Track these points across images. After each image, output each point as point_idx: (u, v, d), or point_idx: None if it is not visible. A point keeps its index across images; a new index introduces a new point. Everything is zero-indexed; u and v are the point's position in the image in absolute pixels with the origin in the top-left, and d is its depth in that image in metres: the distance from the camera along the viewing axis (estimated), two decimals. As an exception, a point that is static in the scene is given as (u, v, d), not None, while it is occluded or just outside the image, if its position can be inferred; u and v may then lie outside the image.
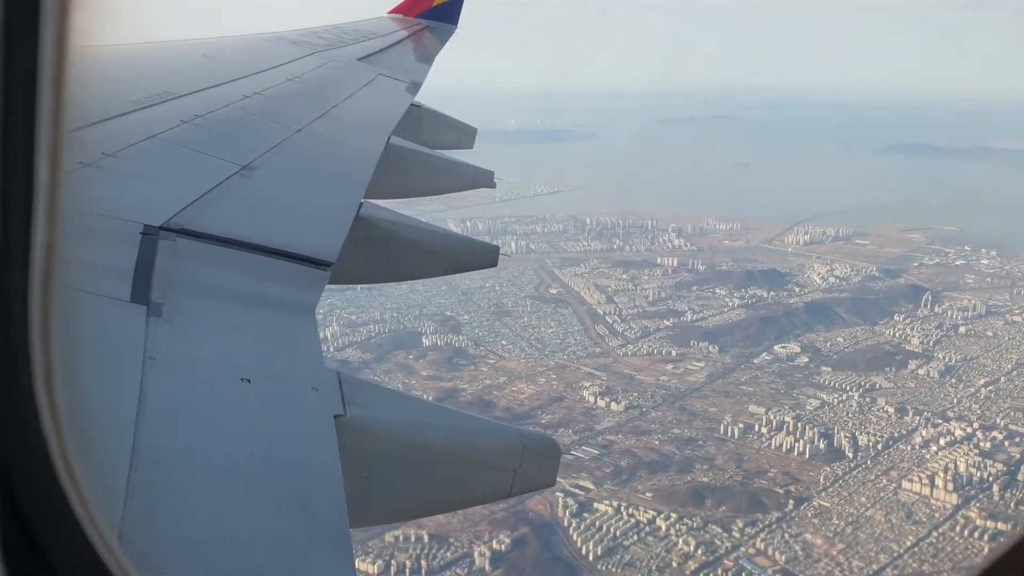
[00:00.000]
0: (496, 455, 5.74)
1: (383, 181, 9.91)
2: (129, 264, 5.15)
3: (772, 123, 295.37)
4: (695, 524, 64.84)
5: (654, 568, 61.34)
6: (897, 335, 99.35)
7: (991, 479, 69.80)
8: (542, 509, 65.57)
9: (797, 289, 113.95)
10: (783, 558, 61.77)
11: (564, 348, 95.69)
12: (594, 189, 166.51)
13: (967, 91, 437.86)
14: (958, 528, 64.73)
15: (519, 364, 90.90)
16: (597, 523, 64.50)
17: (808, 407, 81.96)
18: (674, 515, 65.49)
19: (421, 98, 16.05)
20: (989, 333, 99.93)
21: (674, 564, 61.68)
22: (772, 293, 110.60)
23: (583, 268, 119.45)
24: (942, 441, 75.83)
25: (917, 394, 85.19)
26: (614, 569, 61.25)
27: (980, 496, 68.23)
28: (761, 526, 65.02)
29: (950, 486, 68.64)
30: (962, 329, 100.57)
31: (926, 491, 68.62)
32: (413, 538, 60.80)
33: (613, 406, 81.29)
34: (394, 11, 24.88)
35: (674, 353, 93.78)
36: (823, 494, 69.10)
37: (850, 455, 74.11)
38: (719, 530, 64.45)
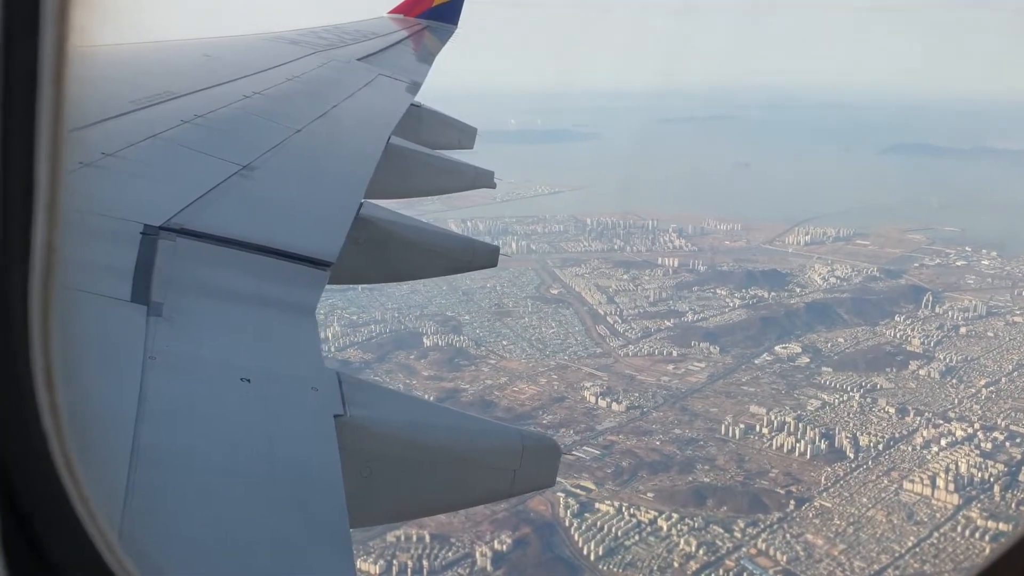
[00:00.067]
0: (496, 455, 5.74)
1: (383, 181, 9.91)
2: (129, 264, 5.15)
3: (772, 123, 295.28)
4: (696, 524, 64.84)
5: (656, 568, 61.34)
6: (898, 336, 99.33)
7: (992, 480, 69.78)
8: (543, 509, 65.57)
9: (798, 289, 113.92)
10: (784, 558, 61.78)
11: (565, 348, 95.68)
12: (595, 189, 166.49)
13: (968, 91, 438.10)
14: (959, 528, 64.73)
15: (520, 364, 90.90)
16: (598, 523, 64.50)
17: (809, 407, 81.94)
18: (675, 515, 65.49)
19: (421, 98, 16.06)
20: (990, 334, 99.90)
21: (676, 564, 61.68)
22: (773, 293, 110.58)
23: (584, 268, 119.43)
24: (943, 442, 75.81)
25: (918, 395, 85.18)
26: (616, 569, 61.26)
27: (981, 496, 68.22)
28: (762, 526, 65.02)
29: (951, 486, 68.63)
30: (963, 330, 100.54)
31: (927, 491, 68.61)
32: (415, 538, 60.80)
33: (614, 406, 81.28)
34: (394, 11, 24.89)
35: (675, 353, 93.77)
36: (824, 494, 69.09)
37: (851, 455, 74.09)
38: (720, 530, 64.45)
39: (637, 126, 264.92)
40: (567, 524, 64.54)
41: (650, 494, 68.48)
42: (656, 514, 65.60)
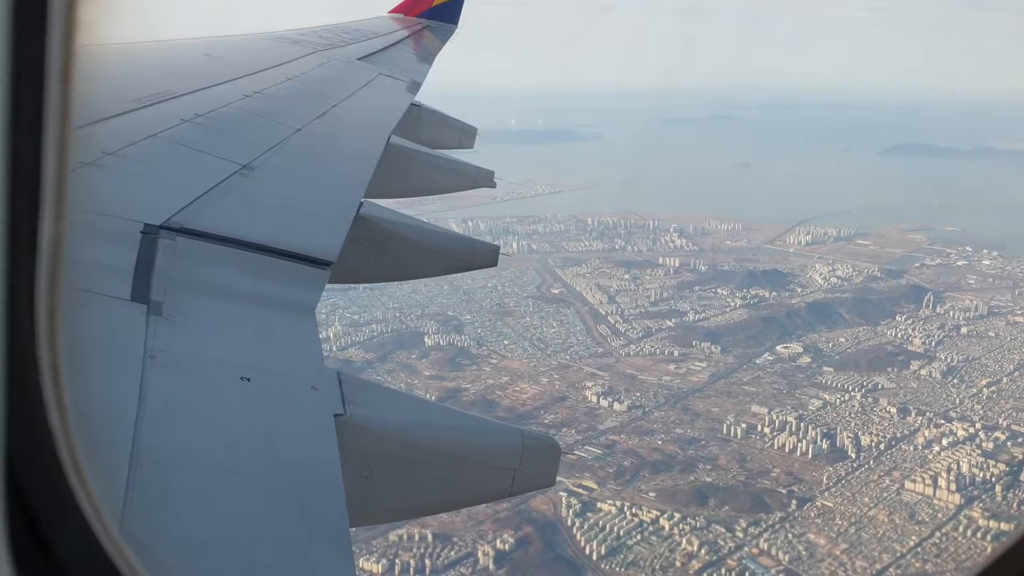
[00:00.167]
0: (496, 455, 5.74)
1: (383, 181, 9.91)
2: (129, 263, 5.15)
3: (773, 123, 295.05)
4: (698, 524, 64.83)
5: (658, 568, 61.34)
6: (899, 335, 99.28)
7: (994, 479, 69.75)
8: (545, 509, 65.57)
9: (799, 289, 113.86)
10: (786, 558, 61.75)
11: (566, 348, 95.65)
12: (596, 189, 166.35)
13: (968, 91, 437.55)
14: (961, 528, 64.71)
15: (521, 364, 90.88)
16: (600, 523, 64.50)
17: (811, 407, 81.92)
18: (677, 515, 65.48)
19: (421, 98, 16.06)
20: (991, 333, 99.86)
21: (678, 564, 61.67)
22: (774, 293, 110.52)
23: (585, 268, 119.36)
24: (944, 441, 75.78)
25: (919, 394, 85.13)
26: (618, 569, 61.25)
27: (983, 496, 68.17)
28: (764, 526, 65.00)
29: (953, 486, 68.59)
30: (964, 329, 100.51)
31: (929, 491, 68.58)
32: (417, 537, 60.83)
33: (616, 406, 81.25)
34: (394, 11, 24.90)
35: (676, 353, 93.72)
36: (826, 494, 69.06)
37: (853, 455, 74.06)
38: (722, 530, 64.43)
39: (638, 126, 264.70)
40: (569, 523, 64.54)
41: (652, 494, 68.47)
42: (658, 514, 65.58)
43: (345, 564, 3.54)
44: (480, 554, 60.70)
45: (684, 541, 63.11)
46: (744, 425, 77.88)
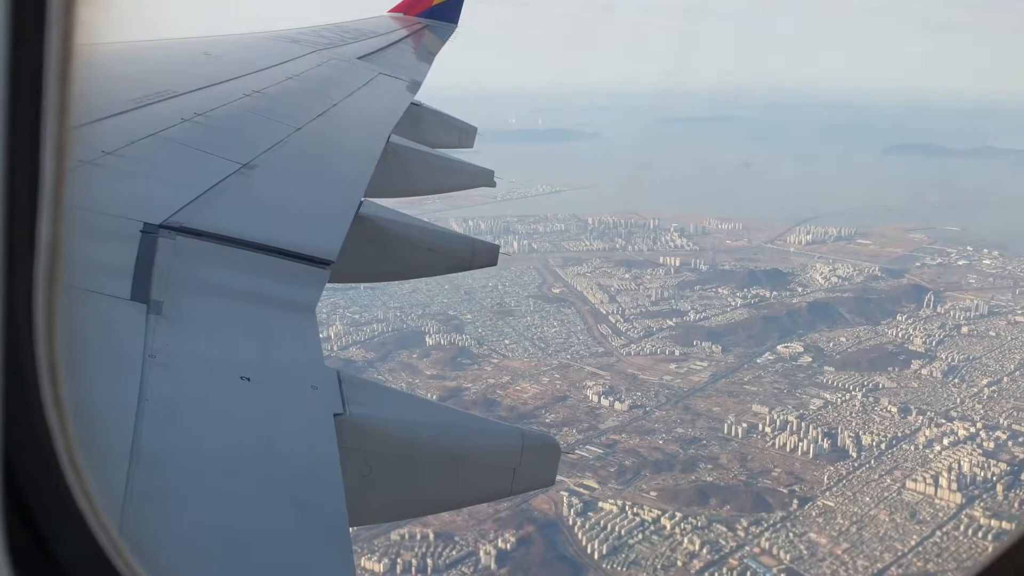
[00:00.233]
0: (496, 454, 5.74)
1: (383, 180, 9.91)
2: (129, 262, 5.14)
3: (773, 123, 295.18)
4: (700, 523, 64.87)
5: (659, 567, 61.37)
6: (900, 335, 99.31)
7: (995, 479, 69.78)
8: (547, 508, 65.64)
9: (800, 289, 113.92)
10: (788, 557, 61.77)
11: (567, 347, 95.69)
12: (596, 189, 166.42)
13: (970, 91, 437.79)
14: (962, 527, 64.73)
15: (522, 363, 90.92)
16: (602, 522, 64.55)
17: (812, 407, 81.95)
18: (679, 514, 65.52)
19: (421, 97, 16.07)
20: (992, 333, 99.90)
21: (679, 563, 61.69)
22: (775, 293, 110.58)
23: (585, 268, 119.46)
24: (945, 441, 75.81)
25: (920, 394, 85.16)
26: (619, 568, 61.29)
27: (984, 496, 68.19)
28: (766, 525, 65.03)
29: (954, 486, 68.62)
30: (965, 329, 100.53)
31: (930, 490, 68.61)
32: (419, 536, 60.92)
33: (617, 405, 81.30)
34: (394, 10, 24.90)
35: (677, 353, 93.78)
36: (827, 493, 69.08)
37: (854, 455, 74.10)
38: (724, 529, 64.46)
39: (639, 126, 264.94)
40: (571, 523, 64.60)
41: (653, 493, 68.50)
42: (659, 513, 65.62)
43: (345, 564, 3.53)
44: (482, 553, 60.74)
45: (686, 540, 63.15)
46: (745, 424, 77.92)
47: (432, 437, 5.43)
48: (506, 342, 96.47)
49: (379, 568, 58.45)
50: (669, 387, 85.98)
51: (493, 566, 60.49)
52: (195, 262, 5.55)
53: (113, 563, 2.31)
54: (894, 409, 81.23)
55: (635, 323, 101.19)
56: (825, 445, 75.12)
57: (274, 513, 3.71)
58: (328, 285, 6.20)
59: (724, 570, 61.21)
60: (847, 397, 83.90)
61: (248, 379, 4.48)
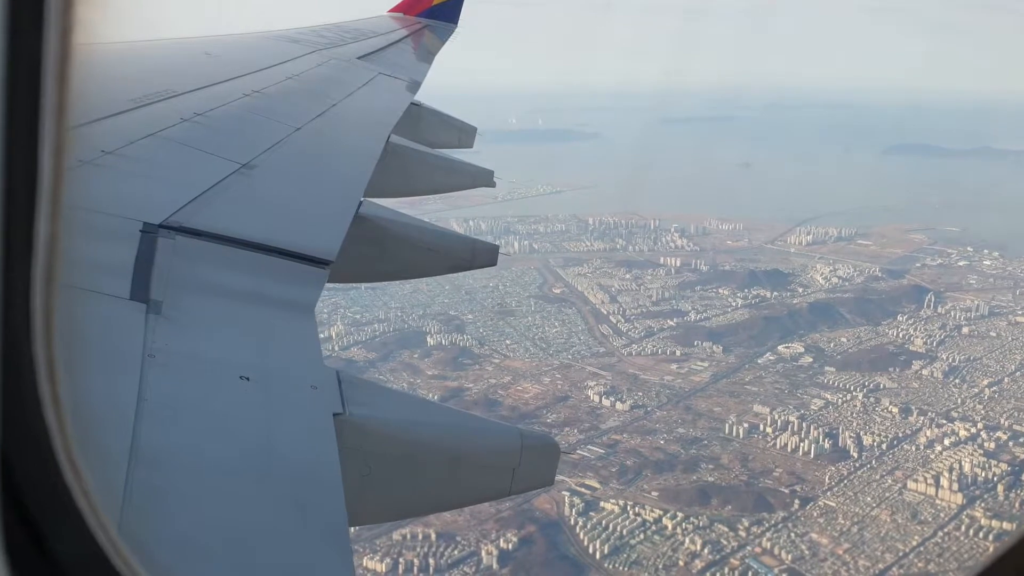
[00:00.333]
0: (495, 454, 5.74)
1: (383, 180, 9.91)
2: (128, 262, 5.14)
3: (774, 123, 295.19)
4: (701, 523, 64.87)
5: (661, 567, 61.39)
6: (900, 335, 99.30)
7: (996, 479, 69.77)
8: (548, 508, 65.68)
9: (800, 289, 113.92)
10: (789, 557, 61.76)
11: (568, 348, 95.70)
12: (597, 189, 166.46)
13: (970, 91, 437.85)
14: (963, 528, 64.73)
15: (524, 364, 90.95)
16: (603, 522, 64.57)
17: (812, 407, 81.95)
18: (680, 514, 65.53)
19: (421, 97, 16.06)
20: (992, 334, 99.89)
21: (681, 563, 61.70)
22: (775, 293, 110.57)
23: (586, 268, 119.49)
24: (946, 441, 75.80)
25: (921, 394, 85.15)
26: (621, 568, 61.31)
27: (985, 496, 68.18)
28: (767, 525, 65.03)
29: (955, 486, 68.61)
30: (965, 329, 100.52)
31: (931, 491, 68.60)
32: (420, 536, 60.97)
33: (618, 406, 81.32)
34: (394, 10, 24.91)
35: (678, 353, 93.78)
36: (828, 494, 69.07)
37: (855, 455, 74.09)
38: (725, 529, 64.46)
39: (639, 126, 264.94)
40: (572, 523, 64.63)
41: (655, 493, 68.51)
42: (661, 513, 65.63)
43: (344, 564, 3.52)
44: (483, 553, 60.76)
45: (687, 540, 63.16)
46: (746, 425, 77.93)
47: (432, 437, 5.43)
48: (507, 342, 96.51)
49: (381, 568, 58.49)
50: (670, 387, 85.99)
51: (495, 566, 60.52)
52: (194, 262, 5.55)
53: (111, 562, 2.31)
54: (895, 409, 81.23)
55: (636, 323, 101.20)
56: (826, 445, 75.14)
57: (273, 513, 3.71)
58: (329, 285, 6.20)
59: (726, 570, 61.22)
60: (848, 397, 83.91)
61: (247, 379, 4.48)
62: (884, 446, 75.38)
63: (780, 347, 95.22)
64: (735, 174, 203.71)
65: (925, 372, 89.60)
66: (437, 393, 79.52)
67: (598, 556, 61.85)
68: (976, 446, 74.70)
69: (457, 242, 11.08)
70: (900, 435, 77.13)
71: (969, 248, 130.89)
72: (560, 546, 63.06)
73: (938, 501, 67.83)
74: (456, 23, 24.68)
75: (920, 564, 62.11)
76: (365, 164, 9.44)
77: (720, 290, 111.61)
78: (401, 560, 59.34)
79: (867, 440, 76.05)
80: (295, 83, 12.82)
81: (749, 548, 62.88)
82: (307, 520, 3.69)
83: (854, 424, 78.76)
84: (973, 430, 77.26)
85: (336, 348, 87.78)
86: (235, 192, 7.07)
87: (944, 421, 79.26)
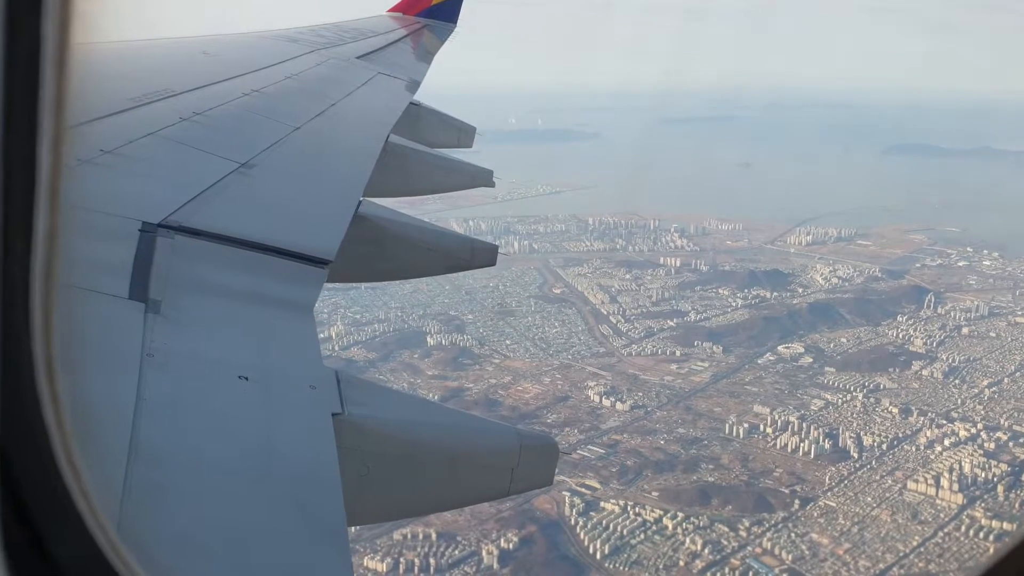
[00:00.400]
0: (494, 454, 5.73)
1: (382, 179, 9.90)
2: (127, 261, 5.13)
3: (774, 123, 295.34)
4: (701, 523, 64.91)
5: (661, 567, 61.42)
6: (900, 336, 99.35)
7: (996, 479, 69.79)
8: (549, 508, 65.72)
9: (800, 290, 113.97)
10: (790, 557, 61.78)
11: (568, 348, 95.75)
12: (597, 189, 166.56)
13: (970, 91, 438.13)
14: (963, 528, 64.74)
15: (524, 364, 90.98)
16: (604, 522, 64.61)
17: (813, 407, 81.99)
18: (680, 514, 65.57)
19: (420, 97, 16.05)
20: (992, 334, 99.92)
21: (681, 563, 61.72)
22: (775, 293, 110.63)
23: (586, 268, 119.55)
24: (947, 442, 75.84)
25: (921, 395, 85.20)
26: (621, 568, 61.34)
27: (985, 496, 68.20)
28: (767, 525, 65.06)
29: (955, 486, 68.63)
30: (965, 330, 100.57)
31: (931, 491, 68.62)
32: (421, 536, 61.02)
33: (618, 406, 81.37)
34: (393, 9, 24.90)
35: (678, 353, 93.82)
36: (829, 494, 69.10)
37: (855, 455, 74.13)
38: (725, 529, 64.49)
39: (639, 126, 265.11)
40: (573, 523, 64.66)
41: (655, 493, 68.54)
42: (661, 513, 65.67)
43: (343, 563, 3.51)
44: (484, 553, 60.79)
45: (687, 540, 63.17)
46: (746, 425, 77.97)
47: (430, 437, 5.42)
48: (507, 342, 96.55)
49: (382, 568, 58.54)
50: (670, 387, 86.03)
51: (495, 566, 60.55)
52: (193, 261, 5.54)
53: (110, 562, 2.30)
54: (895, 410, 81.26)
55: (636, 323, 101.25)
56: (826, 446, 75.17)
57: (272, 513, 3.70)
58: (329, 285, 6.18)
59: (726, 570, 61.24)
60: (848, 398, 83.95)
61: (246, 378, 4.47)
62: (884, 446, 75.41)
63: (780, 347, 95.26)
64: (735, 174, 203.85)
65: (925, 372, 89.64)
66: (437, 393, 79.55)
67: (599, 556, 61.88)
68: (976, 446, 74.74)
69: (456, 242, 11.07)
70: (900, 435, 77.17)
71: (969, 248, 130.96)
72: (561, 546, 63.10)
73: (938, 501, 67.85)
74: (455, 23, 24.67)
75: (920, 564, 62.13)
76: (364, 164, 9.43)
77: (720, 290, 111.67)
78: (402, 560, 59.38)
79: (867, 440, 76.08)
80: (294, 83, 12.81)
81: (750, 548, 62.91)
82: (306, 520, 3.68)
83: (854, 424, 78.79)
84: (973, 430, 77.29)
85: (336, 348, 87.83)
86: (234, 191, 7.06)
87: (944, 421, 79.30)
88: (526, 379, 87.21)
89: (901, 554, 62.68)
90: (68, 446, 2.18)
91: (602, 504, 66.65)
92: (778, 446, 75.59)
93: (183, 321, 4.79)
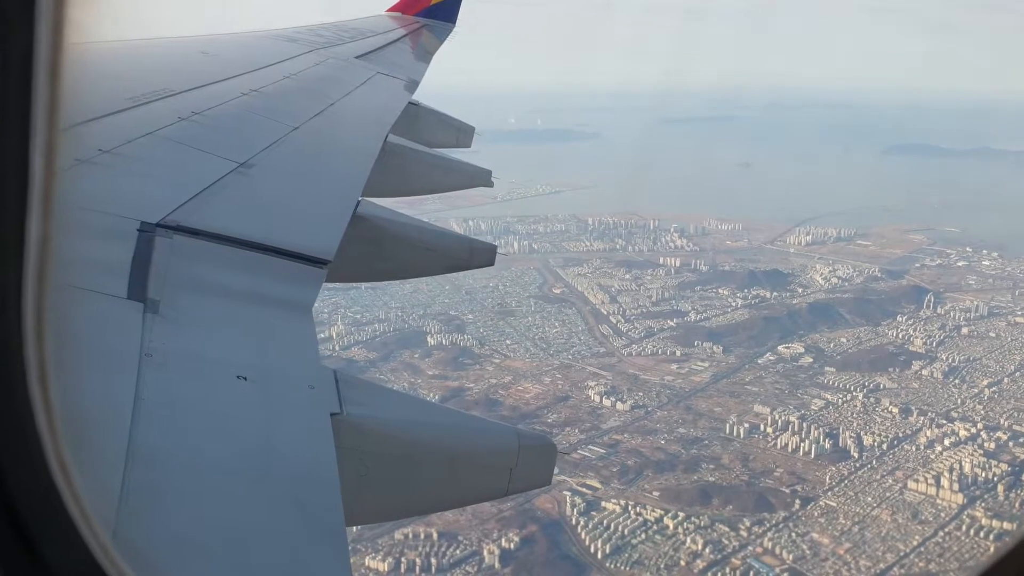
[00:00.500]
0: (492, 454, 5.73)
1: (381, 179, 9.88)
2: (126, 261, 5.12)
3: (773, 123, 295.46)
4: (702, 523, 64.94)
5: (662, 567, 61.43)
6: (900, 336, 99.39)
7: (996, 479, 69.81)
8: (550, 508, 65.76)
9: (800, 290, 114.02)
10: (791, 557, 61.79)
11: (569, 348, 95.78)
12: (596, 189, 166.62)
13: (970, 91, 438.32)
14: (964, 528, 64.75)
15: (524, 364, 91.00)
16: (605, 522, 64.64)
17: (813, 407, 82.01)
18: (681, 514, 65.60)
19: (419, 97, 16.04)
20: (992, 334, 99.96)
21: (682, 563, 61.73)
22: (775, 293, 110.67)
23: (586, 268, 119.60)
24: (947, 441, 75.86)
25: (921, 394, 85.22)
26: (623, 567, 61.35)
27: (985, 496, 68.21)
28: (768, 525, 65.08)
29: (955, 486, 68.65)
30: (965, 330, 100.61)
31: (931, 491, 68.64)
32: (422, 535, 61.06)
33: (619, 406, 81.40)
34: (392, 9, 24.88)
35: (678, 353, 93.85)
36: (829, 494, 69.11)
37: (855, 455, 74.14)
38: (726, 529, 64.52)
39: (639, 126, 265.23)
40: (574, 522, 64.68)
41: (656, 493, 68.55)
42: (662, 512, 65.71)
43: (342, 564, 3.50)
44: (485, 553, 60.82)
45: (688, 540, 63.19)
46: (747, 425, 77.99)
47: (429, 437, 5.42)
48: (507, 342, 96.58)
49: (383, 567, 58.57)
50: (670, 387, 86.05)
51: (497, 565, 60.58)
52: (192, 261, 5.53)
53: (102, 567, 2.29)
54: (895, 410, 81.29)
55: (636, 323, 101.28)
56: (827, 445, 75.19)
57: (271, 513, 3.69)
58: (329, 285, 6.17)
59: (727, 570, 61.25)
60: (848, 397, 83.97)
61: (245, 378, 4.46)
62: (884, 446, 75.44)
63: (780, 347, 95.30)
64: (735, 174, 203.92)
65: (925, 372, 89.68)
66: (438, 393, 79.59)
67: (600, 556, 61.89)
68: (976, 446, 74.76)
69: (455, 242, 11.07)
70: (900, 435, 77.19)
71: (968, 248, 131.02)
72: (562, 546, 63.12)
73: (939, 501, 67.87)
74: (454, 23, 24.66)
75: (921, 564, 62.14)
76: (363, 163, 9.42)
77: (720, 290, 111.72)
78: (403, 559, 59.41)
79: (867, 440, 76.10)
80: (293, 82, 12.79)
81: (750, 548, 62.93)
82: (304, 520, 3.67)
83: (854, 424, 78.81)
84: (973, 430, 77.32)
85: (337, 348, 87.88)
86: (233, 191, 7.05)
87: (944, 421, 79.32)
88: (526, 379, 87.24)
89: (902, 554, 62.69)
90: (60, 451, 2.17)
91: (603, 504, 66.69)
92: (778, 446, 75.61)
93: (181, 321, 4.78)
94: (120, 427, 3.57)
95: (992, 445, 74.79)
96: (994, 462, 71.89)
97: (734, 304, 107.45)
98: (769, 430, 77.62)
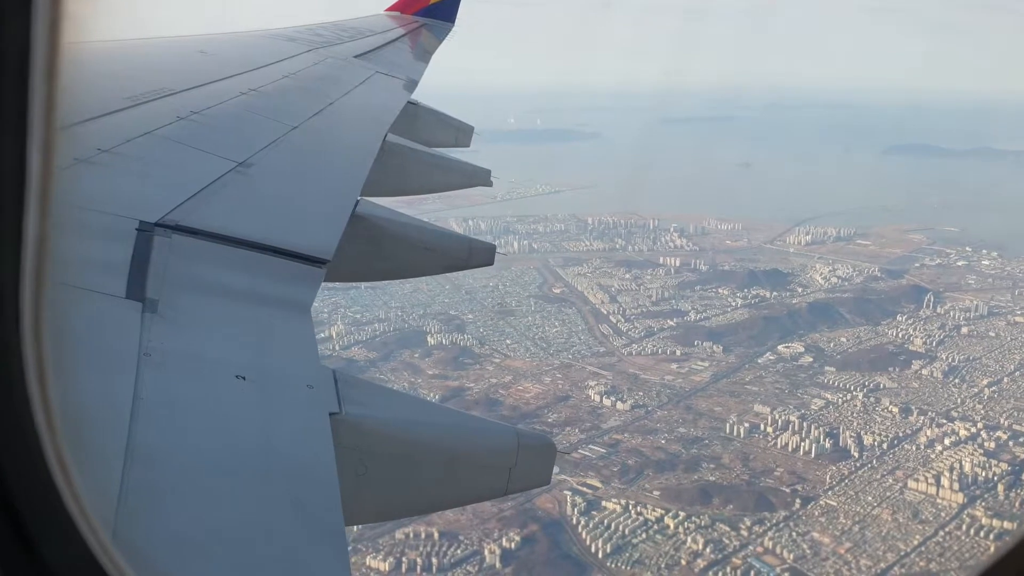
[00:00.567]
0: (492, 453, 5.72)
1: (380, 179, 9.87)
2: (124, 260, 5.11)
3: (773, 123, 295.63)
4: (703, 522, 64.97)
5: (663, 566, 61.45)
6: (900, 335, 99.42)
7: (996, 478, 69.83)
8: (551, 507, 65.79)
9: (800, 289, 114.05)
10: (791, 556, 61.80)
11: (569, 347, 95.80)
12: (596, 189, 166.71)
13: (970, 91, 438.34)
14: (964, 527, 64.76)
15: (524, 363, 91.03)
16: (605, 521, 64.67)
17: (813, 407, 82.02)
18: (682, 513, 65.63)
19: (418, 96, 16.03)
20: (991, 333, 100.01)
21: (683, 562, 61.75)
22: (775, 293, 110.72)
23: (586, 268, 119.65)
24: (947, 441, 75.90)
25: (921, 394, 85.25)
26: (623, 567, 61.37)
27: (985, 495, 68.23)
28: (768, 524, 65.10)
29: (955, 485, 68.67)
30: (964, 329, 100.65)
31: (932, 490, 68.67)
32: (423, 535, 61.09)
33: (619, 405, 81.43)
34: (391, 8, 24.87)
35: (678, 353, 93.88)
36: (830, 493, 69.12)
37: (855, 454, 74.16)
38: (727, 528, 64.54)
39: (639, 126, 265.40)
40: (574, 522, 64.70)
41: (656, 492, 68.57)
42: (663, 512, 65.74)
43: (341, 563, 3.50)
44: (486, 552, 60.84)
45: (689, 540, 63.21)
46: (747, 424, 78.02)
47: (428, 436, 5.41)
48: (508, 342, 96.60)
49: (384, 567, 58.58)
50: (671, 387, 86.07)
51: (497, 565, 60.61)
52: (191, 260, 5.51)
53: (102, 565, 2.28)
54: (895, 409, 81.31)
55: (636, 323, 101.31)
56: (827, 445, 75.21)
57: (270, 512, 3.68)
58: (329, 284, 6.16)
59: (728, 569, 61.27)
60: (848, 397, 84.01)
61: (244, 378, 4.45)
62: (885, 446, 75.46)
63: (780, 347, 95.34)
64: (735, 174, 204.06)
65: (925, 372, 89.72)
66: (438, 393, 79.60)
67: (600, 555, 61.90)
68: (976, 446, 74.79)
69: (454, 241, 11.06)
70: (900, 435, 77.22)
71: (968, 248, 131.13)
72: (562, 545, 63.15)
73: (939, 500, 67.89)
74: (453, 22, 24.65)
75: (921, 563, 62.15)
76: (362, 163, 9.40)
77: (720, 290, 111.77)
78: (404, 559, 59.43)
79: (867, 440, 76.13)
80: (292, 82, 12.78)
81: (751, 547, 62.94)
82: (303, 520, 3.66)
83: (854, 424, 78.84)
84: (973, 430, 77.35)
85: (337, 348, 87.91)
86: (232, 191, 7.04)
87: (944, 421, 79.35)
88: (526, 379, 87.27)
89: (902, 553, 62.70)
90: (59, 449, 2.16)
91: (604, 503, 66.73)
92: (779, 445, 75.63)
93: (180, 320, 4.77)
94: (119, 426, 3.56)
95: (992, 444, 74.83)
96: (994, 461, 71.92)
97: (734, 304, 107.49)
98: (769, 430, 77.65)
